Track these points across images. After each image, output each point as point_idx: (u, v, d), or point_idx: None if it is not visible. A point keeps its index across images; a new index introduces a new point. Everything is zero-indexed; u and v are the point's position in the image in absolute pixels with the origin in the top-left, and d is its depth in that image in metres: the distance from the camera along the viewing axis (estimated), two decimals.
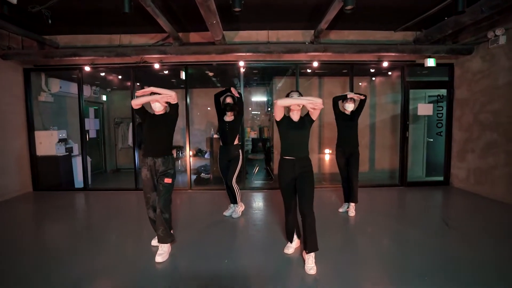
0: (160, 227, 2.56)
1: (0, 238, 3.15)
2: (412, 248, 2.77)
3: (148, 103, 2.61)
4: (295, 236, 2.73)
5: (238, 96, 3.65)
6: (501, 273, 2.33)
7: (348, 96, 3.65)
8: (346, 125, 3.73)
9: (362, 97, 3.67)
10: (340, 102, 3.76)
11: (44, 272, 2.42)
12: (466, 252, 2.68)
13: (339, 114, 3.74)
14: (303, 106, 2.50)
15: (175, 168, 2.76)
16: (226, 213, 3.79)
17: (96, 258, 2.64)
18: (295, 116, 2.54)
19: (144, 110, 2.65)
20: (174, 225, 3.38)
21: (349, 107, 3.68)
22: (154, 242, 2.83)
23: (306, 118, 2.52)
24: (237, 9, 3.09)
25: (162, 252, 2.57)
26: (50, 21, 3.07)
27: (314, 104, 2.30)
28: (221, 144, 3.76)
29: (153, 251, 2.71)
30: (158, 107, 2.65)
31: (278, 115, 2.49)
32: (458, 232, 3.15)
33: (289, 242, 2.74)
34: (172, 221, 3.48)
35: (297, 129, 2.49)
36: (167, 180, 2.61)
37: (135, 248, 2.85)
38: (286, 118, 2.55)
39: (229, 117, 3.64)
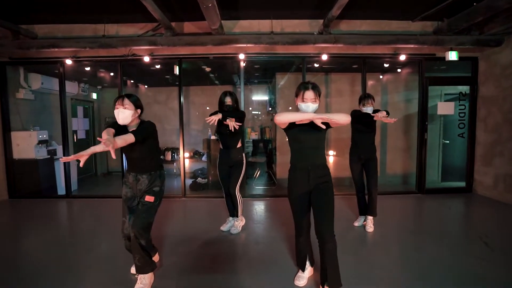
0: (136, 255, 2.03)
1: None
2: (455, 278, 2.25)
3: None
4: (307, 264, 2.21)
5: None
6: None
7: (375, 118, 2.91)
8: (363, 127, 3.20)
9: (392, 121, 2.86)
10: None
11: None
12: None
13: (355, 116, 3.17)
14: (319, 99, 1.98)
15: (163, 186, 2.21)
16: (224, 227, 3.26)
17: None
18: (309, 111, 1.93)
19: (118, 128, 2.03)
20: (161, 244, 2.85)
21: (368, 110, 3.14)
22: (134, 269, 2.30)
23: None
24: None
25: (142, 286, 2.04)
26: None
27: (332, 122, 1.76)
28: (221, 147, 3.23)
29: (133, 280, 2.18)
30: (122, 119, 1.99)
31: (282, 126, 1.97)
32: (502, 254, 2.62)
33: (300, 271, 2.22)
34: (160, 237, 2.99)
35: (310, 130, 1.92)
36: (148, 198, 2.07)
37: (111, 276, 2.33)
38: None
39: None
